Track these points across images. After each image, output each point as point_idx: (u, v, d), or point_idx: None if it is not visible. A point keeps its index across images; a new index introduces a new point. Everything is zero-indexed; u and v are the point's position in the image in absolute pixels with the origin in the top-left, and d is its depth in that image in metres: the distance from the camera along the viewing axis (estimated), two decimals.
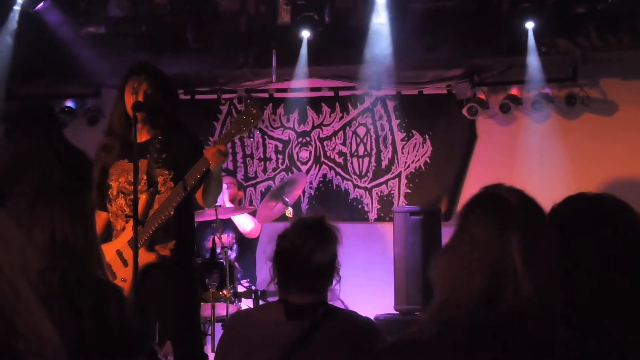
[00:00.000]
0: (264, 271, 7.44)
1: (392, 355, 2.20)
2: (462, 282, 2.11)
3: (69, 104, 8.82)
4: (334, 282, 3.40)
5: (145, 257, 4.83)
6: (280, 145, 8.87)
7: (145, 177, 4.92)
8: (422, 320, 2.21)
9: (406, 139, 8.65)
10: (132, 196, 4.70)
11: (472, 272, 2.10)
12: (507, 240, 2.11)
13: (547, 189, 8.09)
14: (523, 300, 2.06)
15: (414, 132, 8.63)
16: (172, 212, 4.82)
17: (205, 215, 7.04)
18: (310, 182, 8.75)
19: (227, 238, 7.01)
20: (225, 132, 5.05)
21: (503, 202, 2.21)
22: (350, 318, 3.35)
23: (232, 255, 7.26)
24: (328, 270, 3.35)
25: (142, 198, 4.86)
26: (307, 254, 3.29)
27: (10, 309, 1.84)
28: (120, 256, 4.88)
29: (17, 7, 7.73)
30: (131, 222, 4.71)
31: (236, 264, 6.92)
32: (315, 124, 8.84)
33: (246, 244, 7.58)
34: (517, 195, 2.24)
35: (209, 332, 6.47)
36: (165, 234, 4.89)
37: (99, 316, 3.18)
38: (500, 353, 2.04)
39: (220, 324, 6.64)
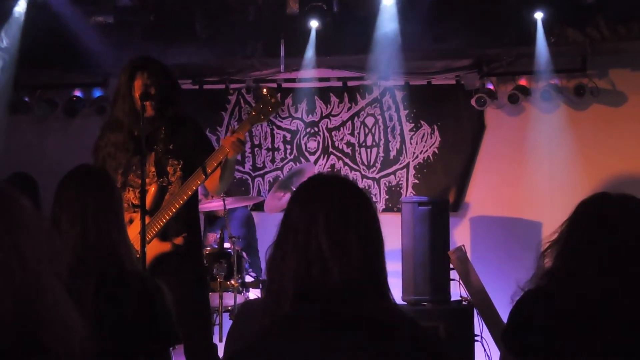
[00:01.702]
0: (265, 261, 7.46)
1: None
2: (280, 271, 2.14)
3: (77, 93, 8.84)
4: None
5: (160, 247, 4.87)
6: (288, 136, 8.86)
7: (153, 168, 4.94)
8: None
9: (414, 129, 8.63)
10: (137, 189, 4.74)
11: (287, 259, 2.12)
12: (314, 222, 2.12)
13: (556, 179, 8.14)
14: (331, 284, 2.07)
15: (422, 122, 8.62)
16: (185, 200, 4.85)
17: (210, 205, 7.07)
18: (319, 173, 8.73)
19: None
20: (244, 121, 5.08)
21: (311, 189, 2.26)
22: None
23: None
24: None
25: (152, 189, 4.88)
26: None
27: (38, 300, 1.84)
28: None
29: None
30: (140, 213, 4.71)
31: (244, 254, 6.92)
32: (323, 114, 8.84)
33: (249, 237, 7.62)
34: (325, 180, 2.32)
35: (217, 322, 6.48)
36: (177, 223, 4.94)
37: (144, 309, 3.20)
38: (323, 337, 2.05)
39: (227, 314, 6.65)
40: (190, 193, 4.86)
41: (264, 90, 5.03)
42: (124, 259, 3.29)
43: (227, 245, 6.78)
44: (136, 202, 4.85)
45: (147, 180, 4.86)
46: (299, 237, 2.12)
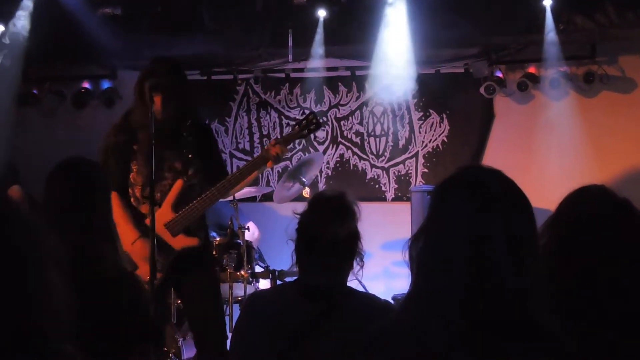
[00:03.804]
0: (274, 252, 7.47)
1: (375, 348, 2.15)
2: (446, 271, 2.03)
3: (86, 85, 8.85)
4: (356, 266, 3.34)
5: (186, 241, 5.04)
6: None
7: (177, 165, 5.03)
8: (403, 309, 2.15)
9: (423, 118, 8.62)
10: (165, 182, 4.95)
11: (455, 260, 2.02)
12: (489, 227, 2.02)
13: (565, 167, 8.11)
14: (509, 287, 1.99)
15: (431, 111, 8.60)
16: (216, 201, 5.07)
17: None
18: (327, 162, 8.74)
19: None
20: (288, 135, 5.38)
21: (483, 186, 2.11)
22: (368, 301, 3.28)
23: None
24: (346, 247, 3.28)
25: (176, 184, 4.98)
26: (324, 227, 3.24)
27: (36, 300, 1.82)
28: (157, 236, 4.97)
29: None
30: (164, 206, 4.96)
31: (253, 244, 6.92)
32: (332, 104, 8.83)
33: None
34: (498, 178, 2.16)
35: (227, 312, 6.49)
36: (197, 221, 5.11)
37: (112, 302, 3.16)
38: (494, 340, 1.99)
39: (237, 304, 6.66)
40: (223, 197, 5.10)
41: (311, 113, 5.36)
42: (102, 256, 3.24)
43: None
44: (158, 196, 4.93)
45: (171, 175, 5.03)
46: (471, 240, 2.01)
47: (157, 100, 4.87)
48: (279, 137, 5.57)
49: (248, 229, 6.92)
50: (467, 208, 2.07)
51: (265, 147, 5.21)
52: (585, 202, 2.69)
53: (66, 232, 3.14)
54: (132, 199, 5.05)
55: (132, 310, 3.22)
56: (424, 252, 2.12)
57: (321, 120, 5.49)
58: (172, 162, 5.03)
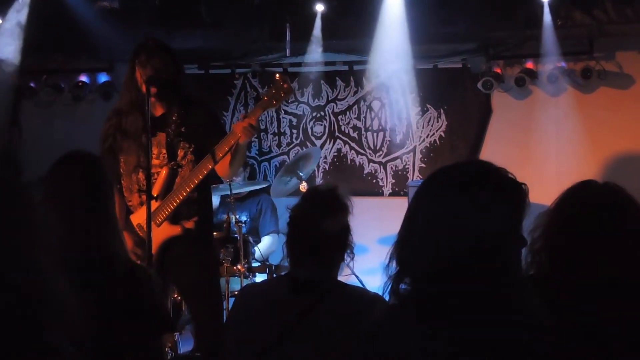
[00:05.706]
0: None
1: (370, 340, 2.27)
2: (409, 259, 2.23)
3: (83, 78, 8.84)
4: (347, 259, 3.35)
5: (170, 230, 4.88)
6: (294, 120, 8.85)
7: (165, 151, 4.94)
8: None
9: (421, 113, 8.61)
10: (152, 170, 4.77)
11: (437, 252, 2.19)
12: (474, 219, 2.18)
13: (563, 163, 8.11)
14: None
15: (428, 106, 8.59)
16: (196, 184, 4.85)
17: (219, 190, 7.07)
18: (325, 157, 8.73)
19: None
20: (255, 106, 5.08)
21: (474, 180, 2.30)
22: (356, 295, 3.29)
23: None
24: (338, 242, 3.30)
25: (163, 172, 4.89)
26: (316, 221, 3.26)
27: (44, 299, 1.81)
28: (141, 230, 4.90)
29: None
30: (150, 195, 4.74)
31: (250, 239, 6.92)
32: (329, 99, 8.81)
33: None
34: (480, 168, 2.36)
35: (224, 306, 6.48)
36: (188, 207, 4.96)
37: (129, 296, 3.14)
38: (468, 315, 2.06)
39: (234, 299, 6.65)
40: (200, 177, 4.86)
41: (277, 75, 5.03)
42: (113, 251, 3.19)
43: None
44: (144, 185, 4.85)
45: (158, 162, 4.93)
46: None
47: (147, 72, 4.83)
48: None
49: (245, 223, 6.89)
50: (456, 202, 2.21)
51: (234, 124, 5.02)
52: (585, 196, 2.70)
53: (73, 228, 3.12)
54: (124, 190, 5.00)
55: (149, 303, 3.20)
56: (399, 246, 2.31)
57: (292, 85, 5.08)
58: (160, 148, 4.94)
